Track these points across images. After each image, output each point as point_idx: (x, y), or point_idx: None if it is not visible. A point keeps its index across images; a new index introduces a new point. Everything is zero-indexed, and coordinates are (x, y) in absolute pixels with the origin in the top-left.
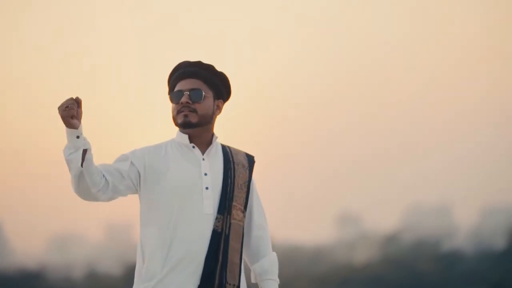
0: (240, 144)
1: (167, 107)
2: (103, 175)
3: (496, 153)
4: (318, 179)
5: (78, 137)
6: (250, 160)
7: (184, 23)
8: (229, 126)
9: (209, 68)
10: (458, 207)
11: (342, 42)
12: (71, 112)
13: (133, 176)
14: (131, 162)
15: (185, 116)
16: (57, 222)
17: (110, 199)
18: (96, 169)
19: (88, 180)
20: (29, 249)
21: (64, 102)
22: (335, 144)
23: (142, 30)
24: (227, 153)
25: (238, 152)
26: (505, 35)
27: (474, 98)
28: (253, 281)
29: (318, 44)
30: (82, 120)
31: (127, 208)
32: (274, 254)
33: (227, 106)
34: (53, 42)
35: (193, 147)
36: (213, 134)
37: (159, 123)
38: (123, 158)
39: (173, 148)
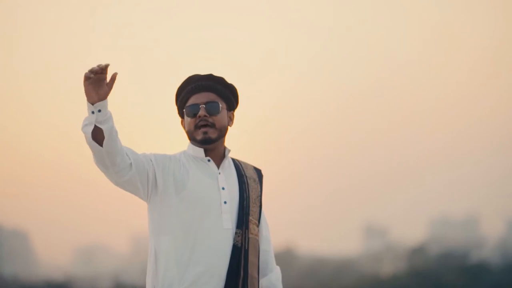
0: (264, 155)
1: (171, 115)
2: (129, 158)
3: None
4: (343, 191)
5: (93, 112)
6: (259, 173)
7: (193, 35)
8: (250, 138)
9: (221, 81)
10: (485, 219)
11: (356, 55)
12: (90, 81)
13: (151, 176)
14: (153, 163)
15: (205, 133)
16: (83, 234)
17: (124, 183)
18: (118, 149)
19: (106, 158)
20: (55, 260)
21: (90, 69)
22: (361, 155)
23: (148, 36)
24: (239, 167)
25: (247, 165)
26: None
27: (502, 109)
28: None
29: (334, 57)
30: None
31: None
32: (279, 268)
33: (248, 117)
34: (56, 43)
35: (209, 160)
36: (225, 147)
37: (161, 126)
38: (146, 155)
39: (188, 160)
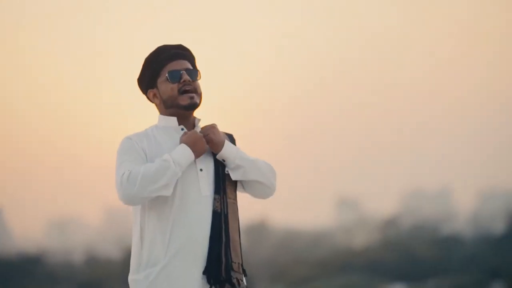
0: (238, 128)
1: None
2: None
3: (495, 139)
4: (316, 164)
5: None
6: (231, 137)
7: (185, 19)
8: (232, 114)
9: (191, 52)
10: (457, 192)
11: (342, 30)
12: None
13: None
14: (142, 150)
15: (191, 98)
16: (56, 207)
17: None
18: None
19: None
20: (28, 233)
21: (209, 127)
22: (335, 129)
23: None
24: None
25: None
26: (504, 18)
27: (473, 86)
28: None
29: (321, 33)
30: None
31: None
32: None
33: (233, 94)
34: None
35: (182, 129)
36: (195, 117)
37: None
38: (134, 150)
39: (160, 133)
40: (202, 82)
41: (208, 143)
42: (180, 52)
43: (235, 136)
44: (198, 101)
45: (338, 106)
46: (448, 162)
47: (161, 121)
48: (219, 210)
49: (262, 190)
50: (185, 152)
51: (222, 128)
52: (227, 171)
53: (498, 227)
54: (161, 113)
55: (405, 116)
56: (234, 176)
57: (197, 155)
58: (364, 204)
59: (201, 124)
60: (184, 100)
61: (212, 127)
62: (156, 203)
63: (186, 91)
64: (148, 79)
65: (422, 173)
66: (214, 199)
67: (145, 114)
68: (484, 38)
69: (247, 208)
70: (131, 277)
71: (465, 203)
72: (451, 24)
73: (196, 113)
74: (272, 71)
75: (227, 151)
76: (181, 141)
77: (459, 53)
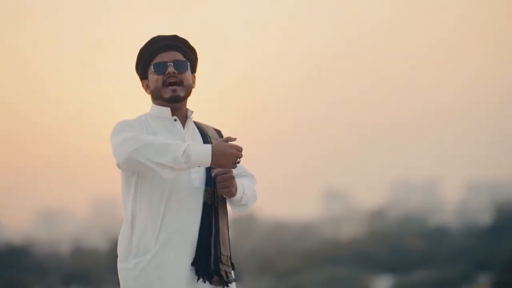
0: (228, 122)
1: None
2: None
3: (483, 132)
4: (304, 155)
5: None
6: (219, 133)
7: (181, 14)
8: (223, 106)
9: (186, 42)
10: (444, 183)
11: (334, 22)
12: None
13: None
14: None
15: (173, 90)
16: (43, 197)
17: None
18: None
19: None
20: (15, 224)
21: (229, 178)
22: (322, 121)
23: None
24: (201, 128)
25: (208, 126)
26: (498, 10)
27: (463, 81)
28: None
29: (308, 19)
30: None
31: (113, 183)
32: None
33: (226, 87)
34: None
35: (175, 120)
36: (187, 109)
37: None
38: (135, 127)
39: (154, 121)
40: (200, 75)
41: (223, 191)
42: (172, 43)
43: (223, 132)
44: (181, 94)
45: (327, 100)
46: (436, 154)
47: (154, 111)
48: (209, 202)
49: (243, 210)
50: (204, 154)
51: (212, 122)
52: (229, 206)
53: (485, 219)
54: (154, 103)
55: (393, 109)
56: (235, 211)
57: (213, 165)
58: (352, 195)
59: (194, 117)
60: (166, 93)
61: (231, 177)
62: (148, 192)
63: (170, 83)
64: (141, 69)
65: (409, 165)
66: (205, 191)
67: (136, 105)
68: (478, 35)
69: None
70: (120, 265)
71: (452, 195)
72: (446, 21)
73: (190, 105)
74: (263, 66)
75: (238, 195)
76: (213, 145)
77: (450, 50)
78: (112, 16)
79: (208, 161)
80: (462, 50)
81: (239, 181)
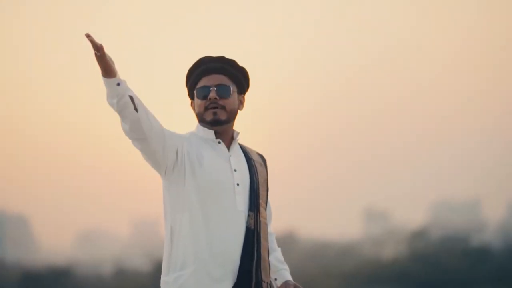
0: (267, 139)
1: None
2: (161, 126)
3: None
4: (344, 174)
5: (118, 84)
6: (263, 158)
7: (195, 22)
8: (253, 122)
9: (233, 63)
10: (487, 202)
11: (357, 40)
12: (104, 58)
13: (176, 150)
14: (175, 139)
15: (215, 114)
16: (84, 219)
17: (154, 151)
18: (152, 116)
19: (145, 124)
20: (57, 246)
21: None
22: (362, 138)
23: (151, 31)
24: (245, 151)
25: (252, 150)
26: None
27: (500, 92)
28: None
29: (335, 37)
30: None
31: (154, 204)
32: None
33: (250, 100)
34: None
35: (219, 142)
36: (234, 130)
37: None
38: (169, 131)
39: (199, 141)
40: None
41: None
42: (216, 66)
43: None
44: (223, 118)
45: (365, 115)
46: (477, 173)
47: (199, 131)
48: (252, 227)
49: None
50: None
51: (249, 140)
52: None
53: None
54: (199, 124)
55: (433, 123)
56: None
57: (112, 73)
58: (392, 215)
59: (240, 138)
60: (208, 116)
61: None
62: (189, 207)
63: (212, 108)
64: (188, 90)
65: (450, 183)
66: (248, 215)
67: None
68: (490, 44)
69: (275, 219)
70: (162, 279)
71: (494, 215)
72: (466, 29)
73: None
74: (295, 77)
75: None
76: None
77: (484, 56)
78: (129, 27)
79: (110, 77)
80: (497, 57)
81: (285, 274)
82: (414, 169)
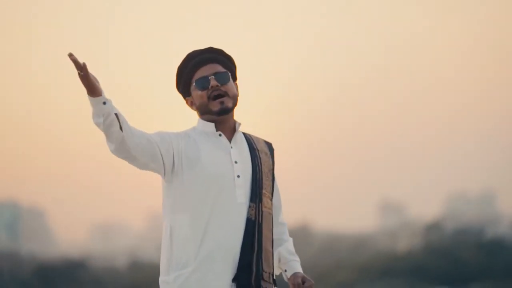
0: (281, 132)
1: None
2: (147, 138)
3: None
4: (359, 167)
5: (104, 103)
6: (270, 146)
7: (196, 24)
8: (267, 115)
9: (222, 52)
10: (501, 195)
11: (371, 29)
12: (87, 77)
13: (169, 154)
14: (170, 141)
15: (221, 103)
16: (99, 212)
17: (145, 164)
18: (137, 131)
19: (130, 142)
20: (72, 238)
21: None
22: (378, 131)
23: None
24: (250, 141)
25: (258, 139)
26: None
27: None
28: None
29: (348, 34)
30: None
31: None
32: (291, 239)
33: (265, 93)
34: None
35: (220, 135)
36: (235, 121)
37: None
38: (161, 135)
39: (199, 136)
40: (241, 83)
41: None
42: (208, 56)
43: (275, 145)
44: (230, 105)
45: (380, 109)
46: (492, 166)
47: (199, 125)
48: (253, 218)
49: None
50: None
51: (264, 133)
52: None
53: None
54: (201, 118)
55: (448, 119)
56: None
57: (97, 92)
58: (407, 208)
59: (241, 128)
60: (215, 106)
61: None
62: (189, 207)
63: (216, 96)
64: (182, 88)
65: (465, 176)
66: (249, 206)
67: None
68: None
69: (289, 212)
70: (161, 278)
71: (509, 207)
72: (477, 27)
73: (237, 117)
74: (311, 72)
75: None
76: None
77: (497, 50)
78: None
79: (95, 96)
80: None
81: (295, 265)
82: (429, 162)
